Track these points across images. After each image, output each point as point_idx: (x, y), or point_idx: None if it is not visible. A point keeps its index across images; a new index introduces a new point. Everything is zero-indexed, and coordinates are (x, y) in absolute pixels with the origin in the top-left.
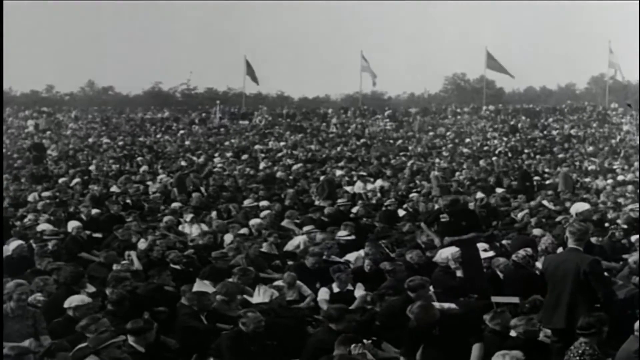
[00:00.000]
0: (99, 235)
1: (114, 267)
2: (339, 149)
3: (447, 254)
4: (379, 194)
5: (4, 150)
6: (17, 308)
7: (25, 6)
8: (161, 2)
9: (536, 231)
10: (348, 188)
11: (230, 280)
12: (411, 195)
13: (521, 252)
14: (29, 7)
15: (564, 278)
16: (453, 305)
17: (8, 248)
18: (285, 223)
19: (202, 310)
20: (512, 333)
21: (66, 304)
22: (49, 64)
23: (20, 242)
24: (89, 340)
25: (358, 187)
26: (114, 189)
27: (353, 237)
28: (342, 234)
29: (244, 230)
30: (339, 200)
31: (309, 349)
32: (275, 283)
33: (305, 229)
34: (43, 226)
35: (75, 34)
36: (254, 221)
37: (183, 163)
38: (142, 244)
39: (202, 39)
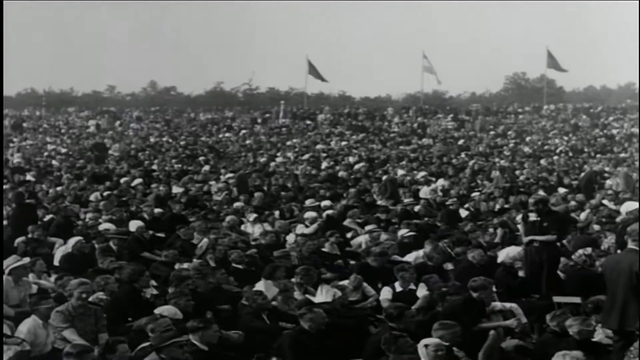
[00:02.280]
0: (161, 234)
1: (176, 266)
2: (400, 148)
3: (513, 253)
4: (440, 194)
5: (66, 150)
6: (79, 306)
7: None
8: (223, 2)
9: (596, 227)
10: (422, 192)
11: (293, 279)
12: (472, 194)
13: (579, 252)
14: (91, 9)
15: (619, 279)
16: (515, 305)
17: (68, 246)
18: (347, 222)
19: (262, 310)
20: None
21: (157, 311)
22: (111, 65)
23: (79, 237)
24: (152, 338)
25: (424, 192)
26: (176, 188)
27: (414, 234)
28: (404, 232)
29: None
30: (405, 200)
31: (369, 349)
32: (340, 283)
33: (368, 228)
34: (106, 225)
35: (138, 35)
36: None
37: (245, 163)
38: (203, 243)
39: (265, 39)
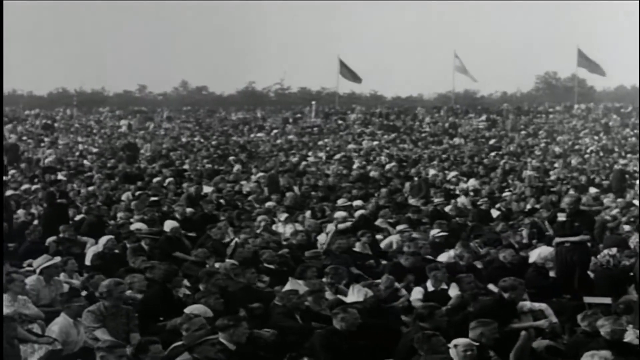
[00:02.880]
0: (193, 234)
1: (207, 266)
2: (432, 148)
3: (545, 253)
4: (471, 193)
5: (97, 149)
6: (113, 306)
7: (120, 7)
8: (255, 2)
9: (627, 227)
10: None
11: (324, 279)
12: (504, 194)
13: (604, 252)
14: (124, 9)
15: None
16: (545, 306)
17: (99, 245)
18: (379, 222)
19: (295, 309)
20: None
21: (187, 310)
22: (143, 64)
23: (109, 236)
24: (184, 338)
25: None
26: (207, 188)
27: (445, 233)
28: (435, 232)
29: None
30: (436, 200)
31: (400, 349)
32: (373, 282)
33: (399, 228)
34: (137, 225)
35: (170, 35)
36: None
37: (276, 162)
38: (233, 243)
39: (296, 39)
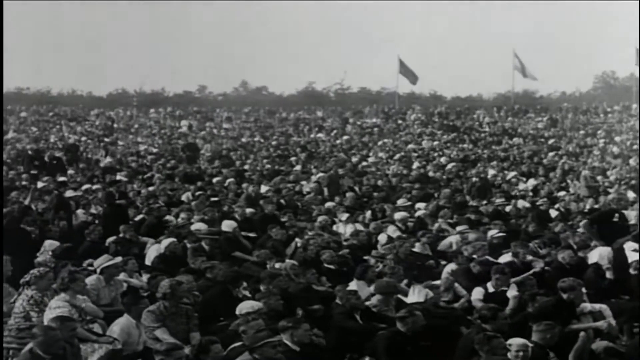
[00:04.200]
0: (252, 234)
1: (268, 266)
2: (491, 148)
3: (605, 254)
4: (531, 194)
5: (157, 150)
6: (172, 306)
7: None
8: (314, 2)
9: None
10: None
11: (386, 279)
12: (562, 194)
13: None
14: (183, 8)
15: None
16: (604, 307)
17: (161, 247)
18: (439, 223)
19: (355, 310)
20: None
21: (237, 311)
22: (203, 65)
23: (172, 239)
24: (245, 339)
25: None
26: (267, 188)
27: (504, 234)
28: (493, 232)
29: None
30: (496, 201)
31: (461, 350)
32: (433, 283)
33: (459, 228)
34: (197, 225)
35: (229, 34)
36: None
37: (336, 163)
38: (294, 243)
39: (356, 39)
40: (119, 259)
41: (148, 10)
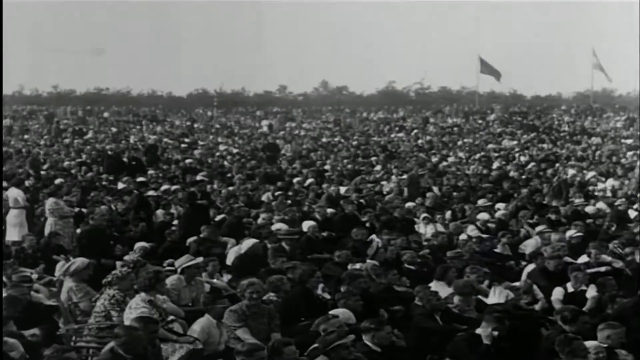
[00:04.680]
0: (332, 234)
1: (349, 266)
2: (571, 147)
3: None
4: (610, 194)
5: (238, 150)
6: (252, 306)
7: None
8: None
9: None
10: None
11: (464, 279)
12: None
13: None
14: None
15: None
16: None
17: (241, 247)
18: (518, 223)
19: (436, 310)
20: None
21: (332, 312)
22: (283, 65)
23: (254, 240)
24: (318, 340)
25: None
26: (347, 188)
27: (582, 234)
28: (571, 233)
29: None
30: (576, 201)
31: (542, 352)
32: (513, 284)
33: (538, 229)
34: (278, 225)
35: (309, 34)
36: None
37: (417, 163)
38: (375, 244)
39: (434, 38)
40: (200, 259)
41: (230, 8)
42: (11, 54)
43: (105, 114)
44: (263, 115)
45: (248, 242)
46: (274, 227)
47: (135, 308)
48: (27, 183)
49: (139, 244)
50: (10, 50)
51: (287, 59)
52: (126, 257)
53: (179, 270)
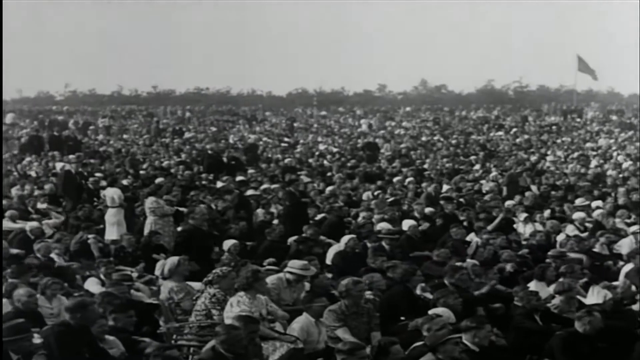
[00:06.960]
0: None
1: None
2: None
3: None
4: None
5: (337, 149)
6: (352, 305)
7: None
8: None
9: None
10: None
11: (563, 279)
12: None
13: None
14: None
15: None
16: None
17: (341, 244)
18: (616, 222)
19: (535, 310)
20: None
21: (432, 312)
22: (382, 63)
23: (351, 236)
24: (426, 338)
25: None
26: (447, 187)
27: None
28: None
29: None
30: None
31: (638, 352)
32: (611, 284)
33: (632, 229)
34: (381, 225)
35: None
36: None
37: (515, 161)
38: (474, 243)
39: (533, 38)
40: (313, 270)
41: (330, 9)
42: (110, 56)
43: (210, 117)
44: (363, 114)
45: (345, 237)
46: (377, 227)
47: (236, 307)
48: (125, 182)
49: (228, 242)
50: (109, 51)
51: (387, 59)
52: (224, 257)
53: (285, 271)
